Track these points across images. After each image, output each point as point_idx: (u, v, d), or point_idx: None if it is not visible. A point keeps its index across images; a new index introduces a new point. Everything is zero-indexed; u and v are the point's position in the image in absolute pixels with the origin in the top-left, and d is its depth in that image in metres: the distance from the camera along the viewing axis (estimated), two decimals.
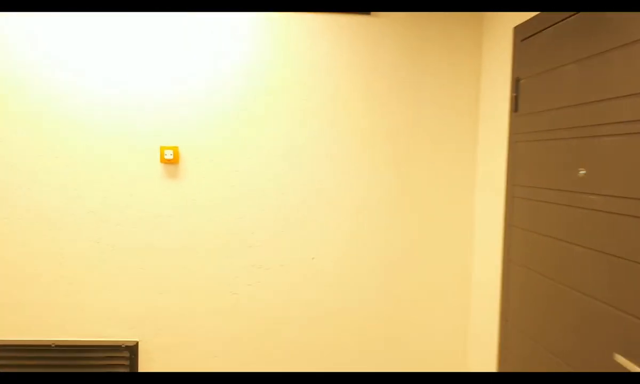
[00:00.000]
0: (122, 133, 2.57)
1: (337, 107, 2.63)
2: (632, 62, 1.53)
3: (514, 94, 2.26)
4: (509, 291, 2.28)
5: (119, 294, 2.63)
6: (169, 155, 2.57)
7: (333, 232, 2.67)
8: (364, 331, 2.71)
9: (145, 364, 2.65)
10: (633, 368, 1.48)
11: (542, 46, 2.05)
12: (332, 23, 2.60)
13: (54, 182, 2.57)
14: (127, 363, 2.61)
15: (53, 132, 2.55)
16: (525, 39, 2.19)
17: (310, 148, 2.64)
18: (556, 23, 1.95)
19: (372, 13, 2.60)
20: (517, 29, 2.25)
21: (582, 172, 1.75)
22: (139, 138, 2.58)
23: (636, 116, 1.51)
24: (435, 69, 2.64)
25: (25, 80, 2.52)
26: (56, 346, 2.59)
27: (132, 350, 2.61)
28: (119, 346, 2.61)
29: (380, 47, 2.62)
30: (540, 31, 2.07)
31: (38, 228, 2.58)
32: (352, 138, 2.65)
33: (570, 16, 1.86)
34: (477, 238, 2.67)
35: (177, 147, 2.58)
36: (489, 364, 2.48)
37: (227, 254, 2.65)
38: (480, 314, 2.60)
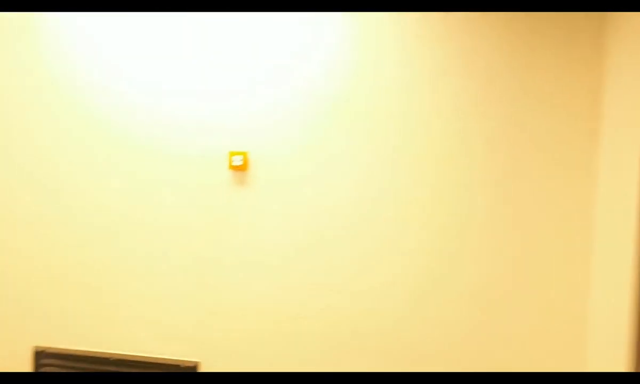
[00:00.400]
0: (188, 138, 2.41)
1: (426, 115, 2.30)
2: None
3: None
4: None
5: (180, 311, 2.45)
6: (237, 161, 2.37)
7: (426, 251, 2.33)
8: (463, 342, 2.34)
9: None
10: None
11: None
12: (423, 22, 2.28)
13: (113, 189, 2.45)
14: None
15: (113, 137, 2.44)
16: None
17: (396, 160, 2.32)
18: None
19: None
20: None
21: None
22: (206, 143, 2.40)
23: None
24: (544, 66, 2.23)
25: (99, 85, 2.44)
26: (114, 359, 2.46)
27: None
28: (178, 366, 2.43)
29: (476, 44, 2.26)
30: None
31: (96, 237, 2.47)
32: (443, 149, 2.29)
33: None
34: (596, 280, 2.21)
35: (246, 153, 2.38)
36: None
37: (298, 274, 2.39)
38: None
